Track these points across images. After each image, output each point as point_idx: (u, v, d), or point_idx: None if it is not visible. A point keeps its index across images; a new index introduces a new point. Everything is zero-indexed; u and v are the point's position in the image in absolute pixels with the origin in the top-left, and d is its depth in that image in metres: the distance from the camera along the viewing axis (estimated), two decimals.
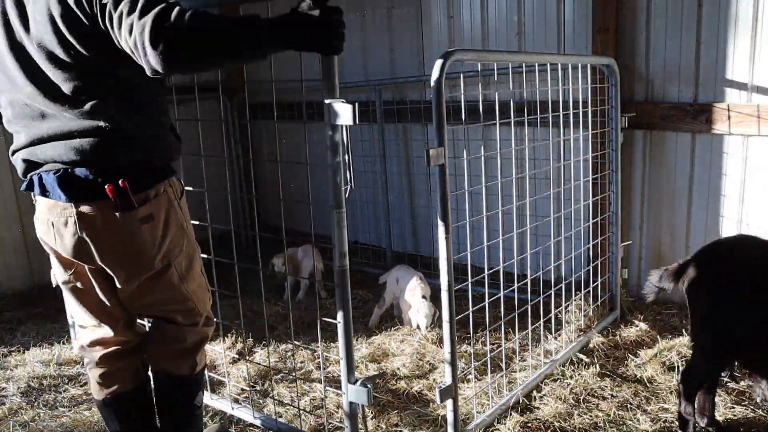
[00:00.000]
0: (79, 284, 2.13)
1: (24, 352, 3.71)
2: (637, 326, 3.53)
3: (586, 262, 3.68)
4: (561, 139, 3.85)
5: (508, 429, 2.65)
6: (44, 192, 1.98)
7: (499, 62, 2.83)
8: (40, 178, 1.98)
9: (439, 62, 2.29)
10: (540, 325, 3.43)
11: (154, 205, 2.01)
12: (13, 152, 2.03)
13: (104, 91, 1.91)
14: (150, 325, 2.37)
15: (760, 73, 3.27)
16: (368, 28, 4.86)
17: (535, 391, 2.94)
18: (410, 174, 4.88)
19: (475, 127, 2.69)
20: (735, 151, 3.44)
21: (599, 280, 3.60)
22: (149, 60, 1.66)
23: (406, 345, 3.54)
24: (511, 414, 2.75)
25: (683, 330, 3.45)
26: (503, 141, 2.78)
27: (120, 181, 1.91)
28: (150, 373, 2.34)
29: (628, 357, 3.23)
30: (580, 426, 2.66)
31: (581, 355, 3.25)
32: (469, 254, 2.59)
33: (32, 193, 2.05)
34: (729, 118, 3.36)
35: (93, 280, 2.11)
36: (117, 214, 1.94)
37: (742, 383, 2.92)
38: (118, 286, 2.08)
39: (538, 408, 2.82)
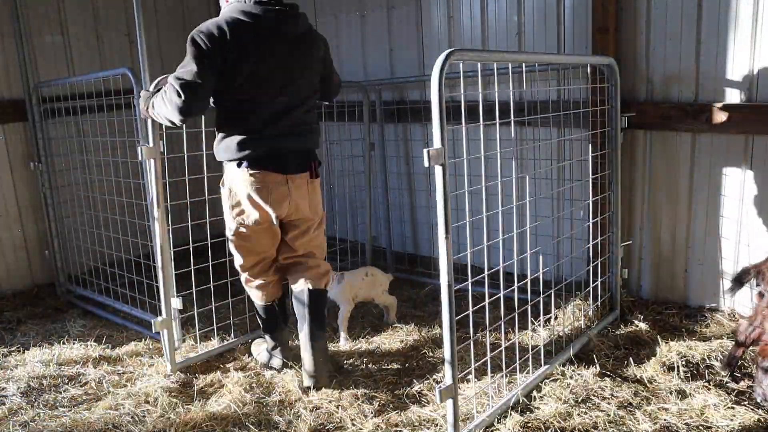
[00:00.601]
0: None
1: (24, 352, 3.72)
2: (637, 326, 3.53)
3: (586, 262, 3.68)
4: (561, 139, 3.85)
5: (508, 429, 2.65)
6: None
7: (499, 62, 2.82)
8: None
9: (438, 62, 2.29)
10: (540, 325, 3.43)
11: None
12: None
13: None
14: (299, 260, 3.26)
15: (760, 74, 3.27)
16: (368, 28, 4.87)
17: (535, 391, 2.94)
18: (410, 174, 4.88)
19: (475, 127, 2.69)
20: (735, 151, 3.44)
21: (599, 280, 3.60)
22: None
23: (406, 345, 3.54)
24: (511, 414, 2.75)
25: (683, 330, 3.46)
26: (503, 141, 2.77)
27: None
28: (306, 287, 3.19)
29: (628, 357, 3.23)
30: (580, 426, 2.66)
31: (581, 355, 3.24)
32: (469, 254, 2.59)
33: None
34: (729, 118, 3.36)
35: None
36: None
37: (741, 383, 2.92)
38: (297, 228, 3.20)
39: (538, 408, 2.82)
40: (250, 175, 2.97)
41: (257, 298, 3.34)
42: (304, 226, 3.19)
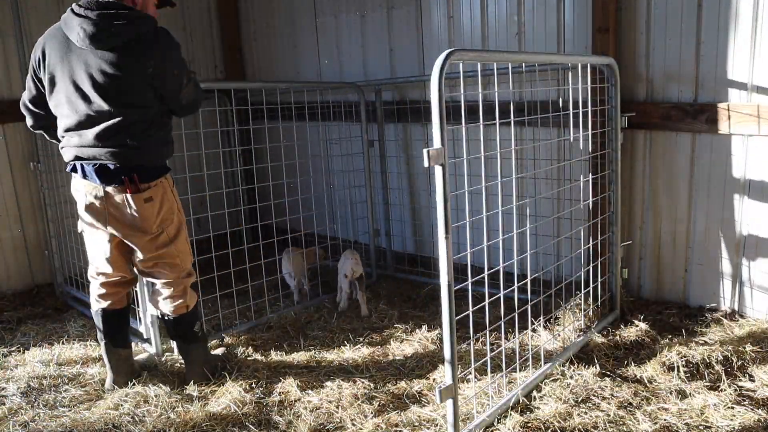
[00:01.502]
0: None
1: (24, 352, 3.71)
2: (637, 326, 3.53)
3: (586, 262, 3.68)
4: (561, 139, 3.85)
5: (508, 429, 2.65)
6: None
7: (499, 62, 2.82)
8: None
9: (438, 62, 2.29)
10: (540, 325, 3.43)
11: (154, 191, 2.93)
12: None
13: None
14: (147, 282, 3.27)
15: (760, 73, 3.27)
16: (368, 28, 4.87)
17: (535, 391, 2.94)
18: (410, 174, 4.88)
19: (475, 127, 2.69)
20: (735, 151, 3.44)
21: (599, 280, 3.60)
22: None
23: (406, 345, 3.55)
24: (511, 414, 2.75)
25: (683, 330, 3.45)
26: (503, 141, 2.78)
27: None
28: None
29: (628, 357, 3.23)
30: (580, 426, 2.66)
31: (581, 355, 3.25)
32: (469, 254, 2.59)
33: None
34: (729, 118, 3.36)
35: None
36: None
37: (742, 383, 2.92)
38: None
39: (538, 408, 2.82)
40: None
41: None
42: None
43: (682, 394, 2.86)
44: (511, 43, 4.12)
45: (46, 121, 3.02)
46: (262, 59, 5.77)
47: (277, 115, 4.45)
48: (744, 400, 2.78)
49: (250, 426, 2.82)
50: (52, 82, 2.87)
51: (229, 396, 3.06)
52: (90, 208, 2.93)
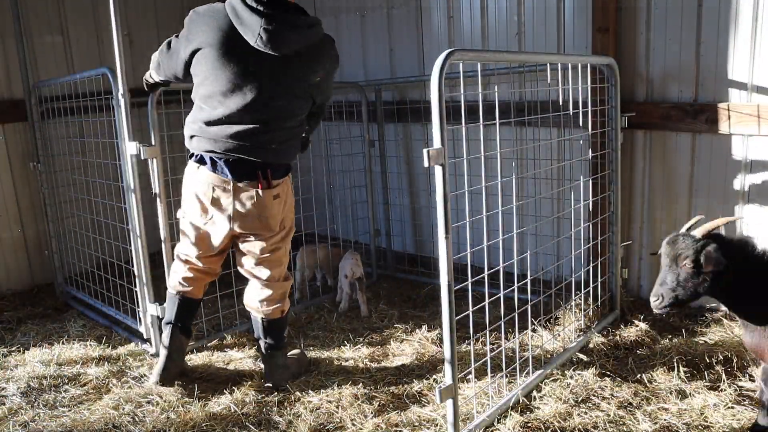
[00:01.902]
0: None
1: (24, 352, 3.71)
2: (637, 326, 3.53)
3: (586, 262, 3.68)
4: (561, 139, 3.85)
5: (508, 429, 2.65)
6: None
7: (499, 62, 2.82)
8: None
9: (438, 62, 2.29)
10: (540, 325, 3.43)
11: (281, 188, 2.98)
12: None
13: None
14: (249, 280, 3.17)
15: (760, 73, 3.28)
16: (368, 28, 4.87)
17: (535, 391, 2.94)
18: (410, 174, 4.88)
19: (475, 127, 2.69)
20: (735, 151, 3.44)
21: (599, 280, 3.60)
22: None
23: (406, 345, 3.55)
24: (511, 414, 2.75)
25: (683, 330, 3.45)
26: (503, 141, 2.78)
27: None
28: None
29: (628, 357, 3.23)
30: (580, 426, 2.66)
31: (581, 355, 3.25)
32: (469, 254, 2.59)
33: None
34: (729, 118, 3.36)
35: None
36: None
37: (742, 383, 2.92)
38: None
39: (538, 408, 2.82)
40: None
41: None
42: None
43: (682, 394, 2.86)
44: (511, 43, 4.12)
45: (166, 85, 3.21)
46: None
47: None
48: (744, 400, 2.78)
49: (250, 426, 2.82)
50: (204, 69, 2.77)
51: (229, 396, 3.06)
52: (215, 202, 2.91)
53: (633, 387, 2.93)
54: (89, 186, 4.41)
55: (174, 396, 3.09)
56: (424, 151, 2.23)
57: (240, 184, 2.87)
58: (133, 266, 3.62)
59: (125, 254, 3.90)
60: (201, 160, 2.91)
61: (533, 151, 3.98)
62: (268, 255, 3.04)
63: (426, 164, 2.24)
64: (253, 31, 2.66)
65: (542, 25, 3.96)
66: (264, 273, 3.07)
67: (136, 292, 3.62)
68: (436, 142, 2.28)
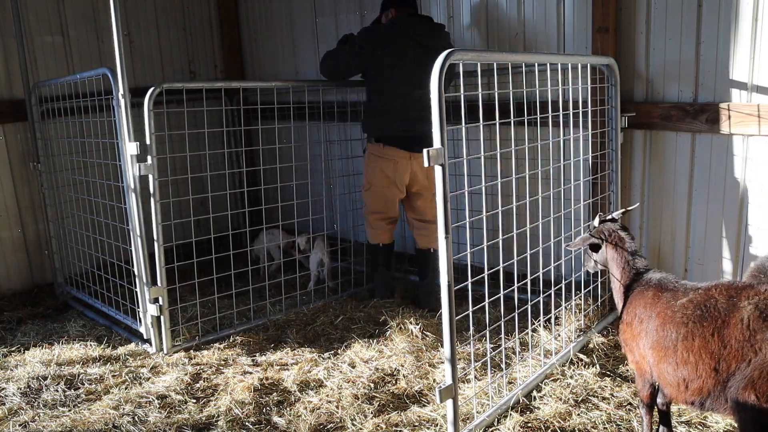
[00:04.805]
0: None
1: (24, 352, 3.71)
2: None
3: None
4: (561, 139, 3.85)
5: (508, 429, 2.65)
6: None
7: (499, 62, 2.82)
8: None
9: (438, 62, 2.29)
10: (540, 325, 3.43)
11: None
12: None
13: None
14: (419, 223, 4.22)
15: (760, 73, 3.27)
16: None
17: (535, 391, 2.94)
18: None
19: (475, 127, 2.69)
20: (735, 151, 3.44)
21: (599, 279, 3.60)
22: None
23: (406, 345, 3.54)
24: (511, 414, 2.75)
25: None
26: (503, 141, 2.78)
27: None
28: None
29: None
30: (580, 426, 2.66)
31: (581, 355, 3.25)
32: (469, 254, 2.59)
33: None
34: (729, 117, 3.36)
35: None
36: None
37: None
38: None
39: (538, 408, 2.82)
40: None
41: None
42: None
43: None
44: (511, 43, 4.12)
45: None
46: (262, 59, 5.76)
47: (274, 115, 4.45)
48: None
49: (250, 426, 2.82)
50: (383, 65, 3.91)
51: (229, 396, 3.06)
52: (398, 169, 4.00)
53: (633, 387, 2.93)
54: (89, 186, 4.42)
55: (174, 396, 3.09)
56: (424, 151, 2.23)
57: (417, 154, 3.87)
58: (132, 266, 3.63)
59: (125, 254, 3.91)
60: (389, 141, 4.05)
61: (533, 151, 3.98)
62: (430, 206, 4.09)
63: (426, 164, 2.24)
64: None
65: (542, 25, 3.96)
66: (430, 217, 4.15)
67: (135, 292, 3.63)
68: (436, 142, 2.28)
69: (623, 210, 2.81)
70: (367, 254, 4.35)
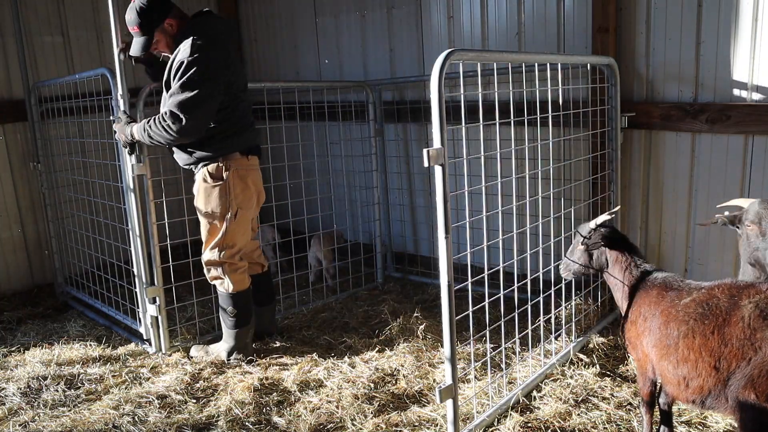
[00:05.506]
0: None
1: (24, 352, 3.71)
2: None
3: None
4: (561, 139, 3.85)
5: (508, 429, 2.65)
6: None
7: (499, 62, 2.82)
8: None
9: (438, 62, 2.29)
10: (540, 325, 3.43)
11: None
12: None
13: None
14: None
15: (760, 73, 3.27)
16: (368, 28, 4.86)
17: (535, 391, 2.94)
18: (410, 174, 4.88)
19: (475, 127, 2.69)
20: (735, 151, 3.44)
21: (599, 279, 3.60)
22: None
23: (406, 344, 3.54)
24: (511, 414, 2.75)
25: None
26: (503, 141, 2.78)
27: None
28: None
29: (628, 357, 3.23)
30: (580, 426, 2.66)
31: (581, 355, 3.25)
32: (469, 254, 2.59)
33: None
34: (729, 117, 3.36)
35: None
36: None
37: None
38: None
39: (538, 408, 2.82)
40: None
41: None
42: None
43: None
44: (511, 43, 4.12)
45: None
46: (262, 59, 5.76)
47: (273, 115, 4.45)
48: None
49: (250, 426, 2.82)
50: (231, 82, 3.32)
51: (229, 396, 3.06)
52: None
53: (633, 387, 2.93)
54: (89, 186, 4.42)
55: (174, 396, 3.09)
56: (424, 151, 2.23)
57: None
58: (132, 267, 3.63)
59: (125, 255, 3.90)
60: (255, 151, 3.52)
61: (533, 151, 3.98)
62: None
63: (426, 164, 2.24)
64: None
65: (542, 25, 3.96)
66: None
67: (135, 292, 3.63)
68: (436, 142, 2.28)
69: (609, 213, 2.75)
70: (231, 307, 3.43)
